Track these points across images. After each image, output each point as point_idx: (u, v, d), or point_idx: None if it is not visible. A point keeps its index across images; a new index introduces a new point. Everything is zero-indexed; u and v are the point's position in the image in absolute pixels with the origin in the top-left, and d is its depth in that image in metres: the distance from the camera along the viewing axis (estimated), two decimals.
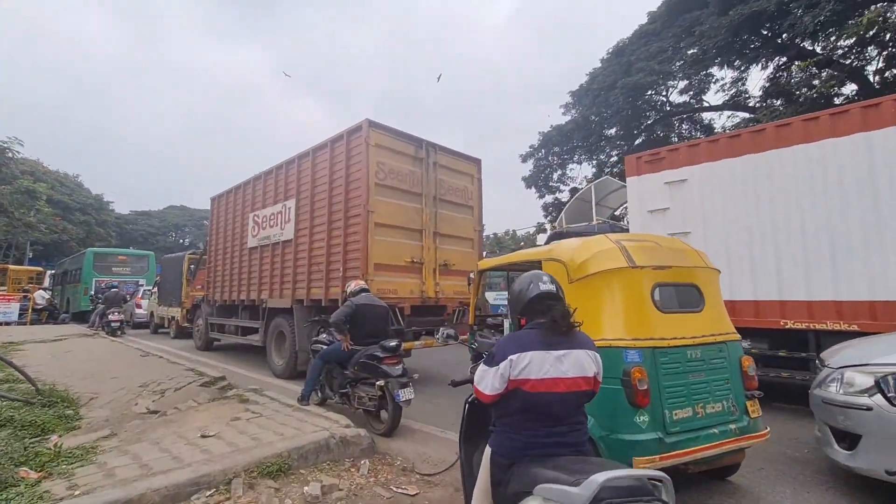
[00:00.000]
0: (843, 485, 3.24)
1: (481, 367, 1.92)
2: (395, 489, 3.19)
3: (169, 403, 5.07)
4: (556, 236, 8.10)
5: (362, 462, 3.71)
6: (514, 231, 39.04)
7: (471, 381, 2.32)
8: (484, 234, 7.55)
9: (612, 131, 21.61)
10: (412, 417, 4.82)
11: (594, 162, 22.87)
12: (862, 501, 3.02)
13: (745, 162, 5.36)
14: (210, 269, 10.31)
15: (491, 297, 12.43)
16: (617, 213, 12.45)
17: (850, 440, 2.97)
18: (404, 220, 6.37)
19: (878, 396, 2.85)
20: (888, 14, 11.67)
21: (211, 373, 6.56)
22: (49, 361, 8.00)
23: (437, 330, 6.99)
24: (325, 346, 5.11)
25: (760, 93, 16.75)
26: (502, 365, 1.81)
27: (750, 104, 17.35)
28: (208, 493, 2.82)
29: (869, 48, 12.90)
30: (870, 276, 4.49)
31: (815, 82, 13.02)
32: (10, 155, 22.44)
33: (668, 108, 17.46)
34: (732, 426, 2.88)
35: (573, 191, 23.56)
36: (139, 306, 17.04)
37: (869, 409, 2.86)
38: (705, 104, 18.97)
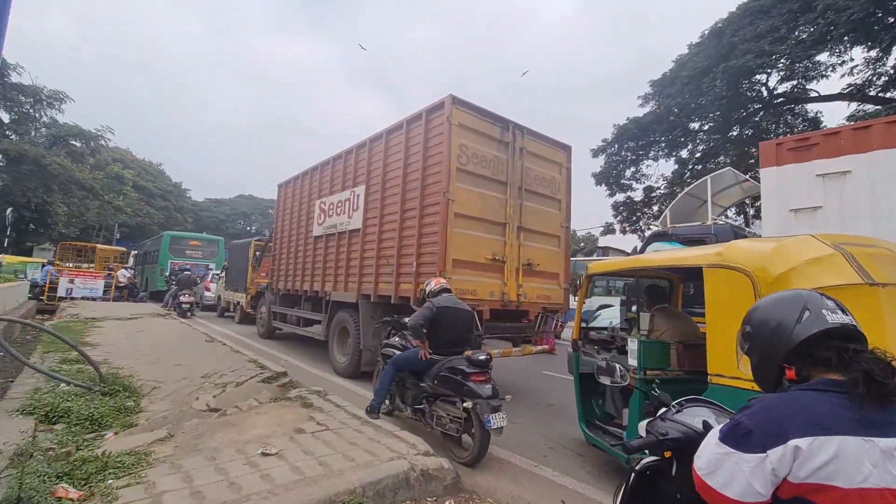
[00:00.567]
0: None
1: (714, 444, 1.10)
2: None
3: (229, 401, 4.67)
4: (655, 239, 6.99)
5: (447, 502, 3.02)
6: (574, 231, 37.28)
7: (654, 444, 1.52)
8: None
9: (697, 125, 19.62)
10: (494, 441, 4.08)
11: (674, 158, 20.93)
12: None
13: None
14: (274, 256, 10.14)
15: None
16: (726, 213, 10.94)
17: None
18: (486, 212, 5.62)
19: None
20: None
21: (273, 367, 6.19)
22: (121, 341, 8.07)
23: (516, 339, 6.26)
24: (397, 352, 4.49)
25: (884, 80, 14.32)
26: (775, 454, 0.99)
27: (871, 93, 14.91)
28: None
29: None
30: None
31: None
32: (102, 143, 24.19)
33: (777, 96, 15.26)
34: None
35: (647, 189, 21.77)
36: (208, 289, 17.61)
37: None
38: (813, 93, 16.61)
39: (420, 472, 3.08)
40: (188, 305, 14.14)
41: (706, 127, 19.73)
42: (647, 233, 19.90)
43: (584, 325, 4.14)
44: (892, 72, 13.57)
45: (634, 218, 22.36)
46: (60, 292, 16.07)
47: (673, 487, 1.51)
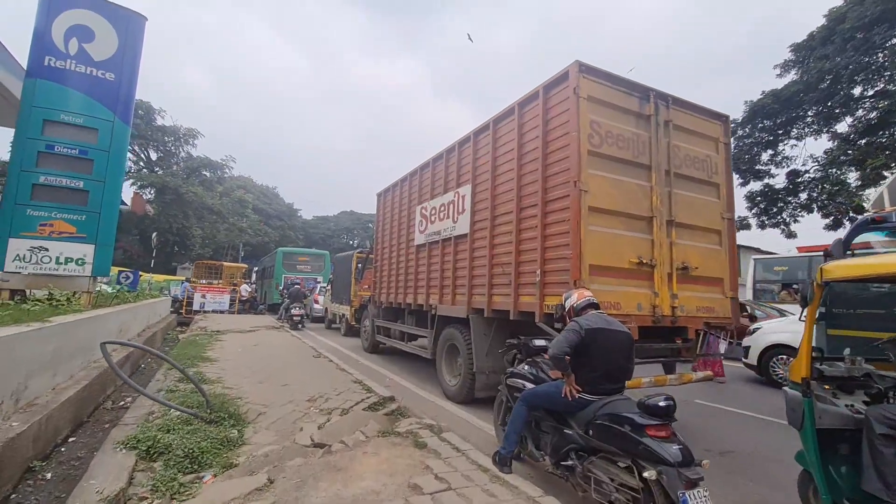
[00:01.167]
0: None
1: None
2: None
3: (335, 433, 4.10)
4: (866, 228, 5.14)
5: None
6: None
7: None
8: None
9: (860, 90, 15.85)
10: None
11: (827, 134, 17.22)
12: None
13: None
14: (376, 268, 9.84)
15: None
16: None
17: None
18: (628, 204, 4.45)
19: None
20: None
21: (379, 390, 5.62)
22: (237, 356, 8.23)
23: (671, 364, 4.93)
24: (529, 385, 3.54)
25: None
26: None
27: None
28: None
29: None
30: None
31: None
32: (227, 171, 27.03)
33: None
34: None
35: (792, 174, 18.19)
36: (316, 301, 18.35)
37: None
38: None
39: None
40: (298, 318, 14.68)
41: (871, 92, 15.88)
42: (848, 220, 16.47)
43: (816, 355, 2.80)
44: None
45: (775, 210, 18.84)
46: (195, 306, 17.86)
47: None
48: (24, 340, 3.72)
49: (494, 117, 5.60)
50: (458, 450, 3.67)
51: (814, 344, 2.76)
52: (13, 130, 7.62)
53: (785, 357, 7.13)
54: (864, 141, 16.13)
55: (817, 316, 2.93)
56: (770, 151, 18.59)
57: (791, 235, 18.77)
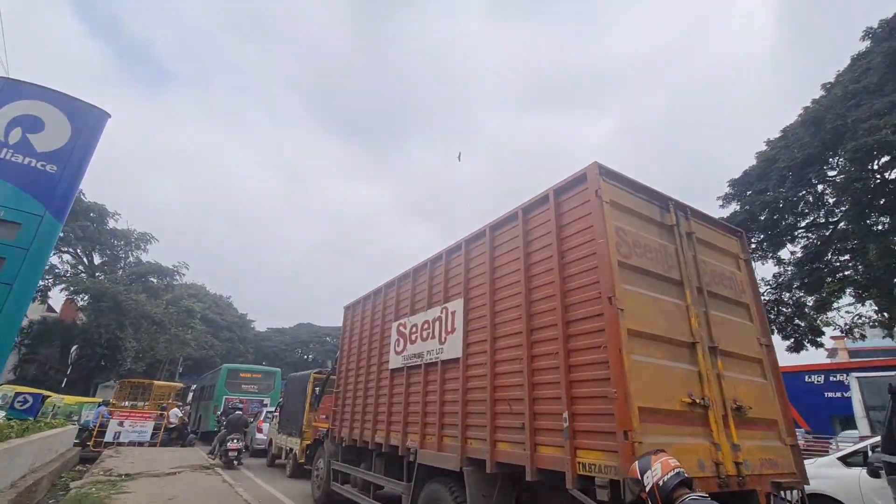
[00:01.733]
0: None
1: None
2: None
3: None
4: None
5: None
6: None
7: None
8: None
9: (794, 220, 17.08)
10: None
11: (773, 259, 18.04)
12: None
13: None
14: (338, 394, 8.30)
15: None
16: None
17: None
18: (667, 327, 3.65)
19: None
20: None
21: None
22: None
23: None
24: None
25: None
26: None
27: None
28: None
29: None
30: None
31: None
32: (177, 278, 25.19)
33: None
34: None
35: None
36: (260, 430, 15.70)
37: None
38: None
39: None
40: (235, 453, 12.17)
41: (804, 223, 17.18)
42: (808, 342, 16.21)
43: None
44: None
45: None
46: (108, 436, 14.76)
47: None
48: None
49: (491, 224, 4.98)
50: None
51: None
52: None
53: None
54: (813, 266, 17.00)
55: None
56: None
57: None
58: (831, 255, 16.69)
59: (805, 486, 3.96)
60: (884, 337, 18.63)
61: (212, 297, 50.29)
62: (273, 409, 15.85)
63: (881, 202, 12.87)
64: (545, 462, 3.56)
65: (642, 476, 2.27)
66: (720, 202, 19.06)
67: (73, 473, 10.46)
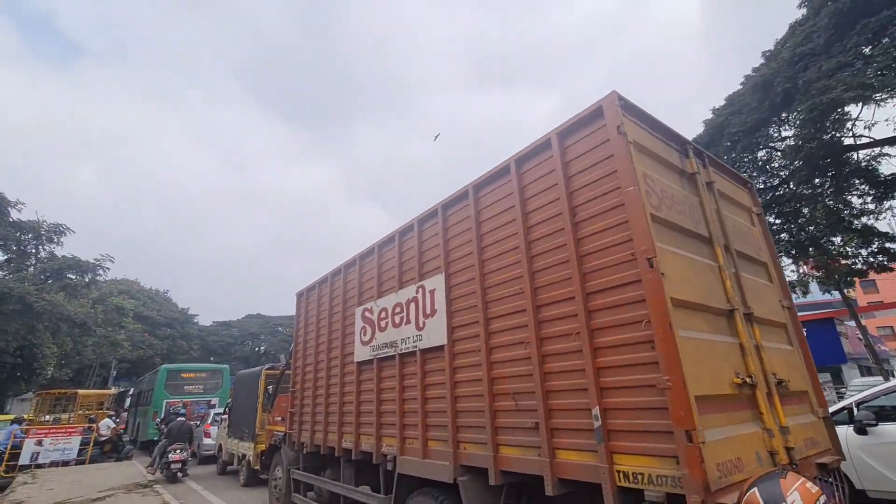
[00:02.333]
0: None
1: None
2: None
3: None
4: None
5: None
6: None
7: None
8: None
9: None
10: None
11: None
12: None
13: None
14: (294, 393, 7.27)
15: None
16: None
17: None
18: (706, 293, 2.99)
19: None
20: None
21: None
22: None
23: None
24: None
25: None
26: None
27: None
28: None
29: None
30: None
31: None
32: (100, 273, 22.43)
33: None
34: None
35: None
36: (207, 434, 14.25)
37: None
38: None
39: None
40: (178, 465, 10.81)
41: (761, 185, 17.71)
42: None
43: None
44: None
45: None
46: (23, 459, 12.78)
47: None
48: None
49: (474, 183, 4.12)
50: None
51: None
52: None
53: None
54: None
55: None
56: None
57: None
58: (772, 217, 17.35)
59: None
60: (824, 293, 19.89)
61: (147, 293, 46.32)
62: (222, 410, 14.42)
63: (828, 160, 13.27)
64: (569, 471, 2.83)
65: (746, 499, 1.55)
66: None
67: None
